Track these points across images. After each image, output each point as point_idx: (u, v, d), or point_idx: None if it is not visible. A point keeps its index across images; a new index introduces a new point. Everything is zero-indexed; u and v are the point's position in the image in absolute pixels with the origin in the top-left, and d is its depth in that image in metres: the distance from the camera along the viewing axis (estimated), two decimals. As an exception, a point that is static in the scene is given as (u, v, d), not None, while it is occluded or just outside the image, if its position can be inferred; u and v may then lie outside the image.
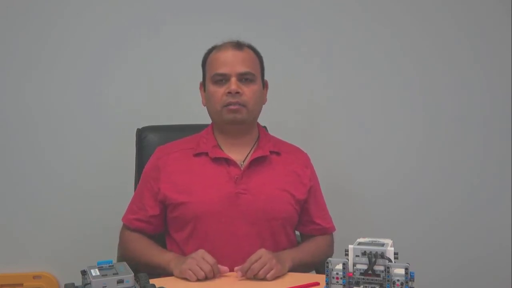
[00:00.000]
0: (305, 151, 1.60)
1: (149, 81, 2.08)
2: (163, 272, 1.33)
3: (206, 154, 1.45)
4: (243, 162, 1.45)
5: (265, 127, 1.80)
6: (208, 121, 1.54)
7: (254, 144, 1.50)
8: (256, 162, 1.45)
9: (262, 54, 1.51)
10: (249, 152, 1.48)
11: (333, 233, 1.58)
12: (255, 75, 1.45)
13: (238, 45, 1.46)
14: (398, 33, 2.19)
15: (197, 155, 1.46)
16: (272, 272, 1.25)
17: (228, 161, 1.44)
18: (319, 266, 1.46)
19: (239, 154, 1.46)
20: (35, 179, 2.05)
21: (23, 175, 2.05)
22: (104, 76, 2.06)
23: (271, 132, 1.79)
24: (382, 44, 2.19)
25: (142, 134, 1.72)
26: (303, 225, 1.53)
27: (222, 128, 1.48)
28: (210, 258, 1.26)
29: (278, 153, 1.51)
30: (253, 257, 1.26)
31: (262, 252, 1.28)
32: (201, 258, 1.26)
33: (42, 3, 2.01)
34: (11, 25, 2.01)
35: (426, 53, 2.21)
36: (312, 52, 2.15)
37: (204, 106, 1.51)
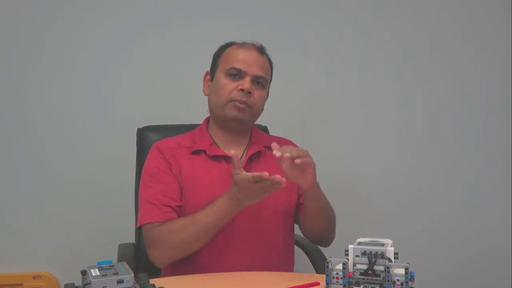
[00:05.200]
0: (293, 142, 1.60)
1: (149, 81, 2.08)
2: (229, 219, 1.30)
3: (204, 152, 1.45)
4: (241, 159, 1.46)
5: (265, 126, 1.81)
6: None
7: (248, 141, 1.51)
8: (253, 158, 1.46)
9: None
10: (245, 149, 1.48)
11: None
12: (267, 81, 1.48)
13: (261, 50, 1.48)
14: (397, 33, 2.20)
15: (195, 152, 1.45)
16: (306, 159, 1.25)
17: (227, 159, 1.44)
18: (327, 222, 1.46)
19: (235, 152, 1.46)
20: (36, 179, 2.05)
21: (23, 175, 2.05)
22: (104, 76, 2.06)
23: (272, 131, 1.79)
24: (382, 44, 2.19)
25: (142, 134, 1.72)
26: (299, 205, 1.49)
27: (220, 123, 1.47)
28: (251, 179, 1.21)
29: (270, 147, 1.51)
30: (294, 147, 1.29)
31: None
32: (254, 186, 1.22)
33: (43, 3, 2.01)
34: (12, 25, 2.01)
35: (425, 53, 2.21)
36: (312, 52, 2.15)
37: (206, 95, 1.50)
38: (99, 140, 2.06)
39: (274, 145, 1.28)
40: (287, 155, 1.23)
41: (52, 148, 2.06)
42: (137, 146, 1.72)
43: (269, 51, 1.52)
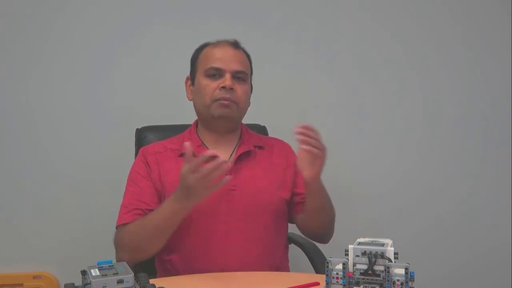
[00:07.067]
0: (288, 143, 1.60)
1: (148, 81, 2.08)
2: (176, 220, 1.28)
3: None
4: (230, 158, 1.46)
5: (264, 126, 1.81)
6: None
7: (237, 141, 1.51)
8: (242, 158, 1.45)
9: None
10: (234, 149, 1.48)
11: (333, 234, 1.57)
12: (247, 75, 1.48)
13: (235, 44, 1.48)
14: (398, 33, 2.20)
15: (183, 155, 1.43)
16: (314, 151, 1.23)
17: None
18: (325, 221, 1.46)
19: (224, 152, 1.46)
20: (35, 179, 2.05)
21: (23, 176, 2.05)
22: (104, 76, 2.06)
23: (270, 131, 1.79)
24: (382, 45, 2.19)
25: (141, 134, 1.73)
26: (295, 205, 1.49)
27: (208, 124, 1.47)
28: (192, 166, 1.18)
29: (261, 147, 1.52)
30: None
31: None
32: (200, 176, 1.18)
33: (42, 3, 2.01)
34: (12, 25, 2.01)
35: (426, 54, 2.21)
36: (312, 53, 2.15)
37: (190, 100, 1.51)
38: (98, 140, 2.06)
39: (300, 128, 1.25)
40: (305, 147, 1.23)
41: (51, 148, 2.06)
42: (136, 146, 1.72)
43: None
